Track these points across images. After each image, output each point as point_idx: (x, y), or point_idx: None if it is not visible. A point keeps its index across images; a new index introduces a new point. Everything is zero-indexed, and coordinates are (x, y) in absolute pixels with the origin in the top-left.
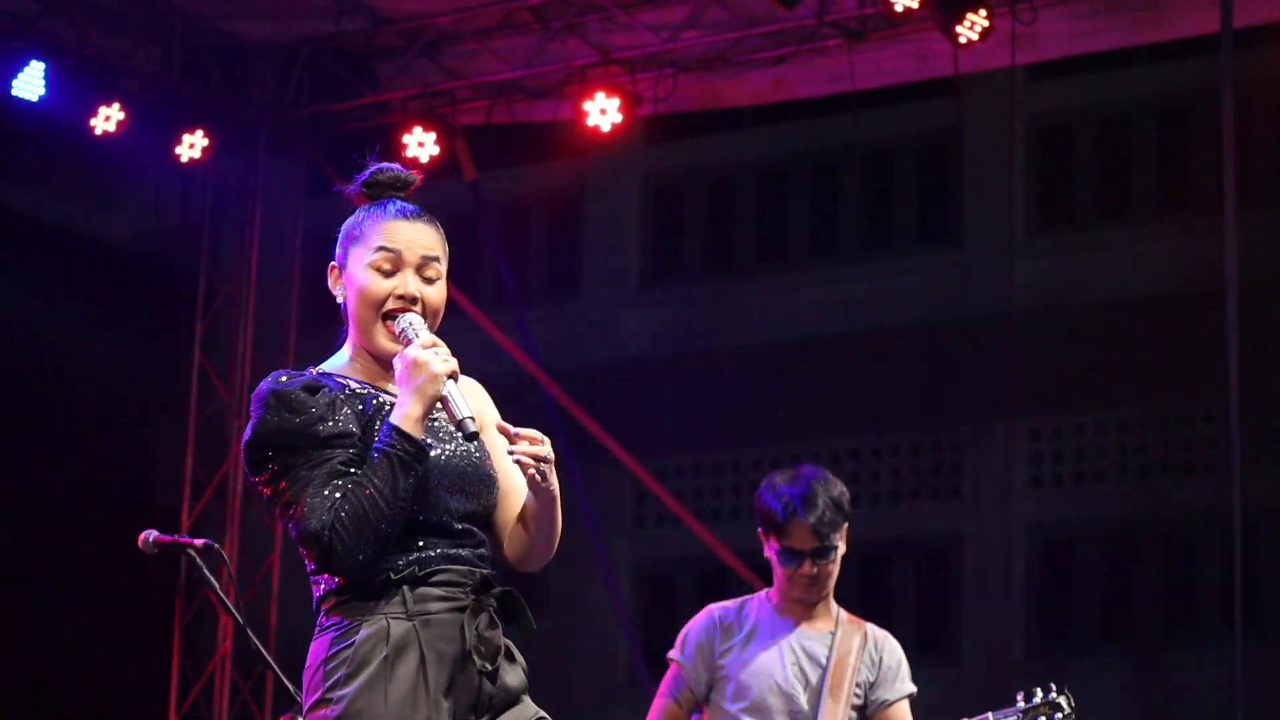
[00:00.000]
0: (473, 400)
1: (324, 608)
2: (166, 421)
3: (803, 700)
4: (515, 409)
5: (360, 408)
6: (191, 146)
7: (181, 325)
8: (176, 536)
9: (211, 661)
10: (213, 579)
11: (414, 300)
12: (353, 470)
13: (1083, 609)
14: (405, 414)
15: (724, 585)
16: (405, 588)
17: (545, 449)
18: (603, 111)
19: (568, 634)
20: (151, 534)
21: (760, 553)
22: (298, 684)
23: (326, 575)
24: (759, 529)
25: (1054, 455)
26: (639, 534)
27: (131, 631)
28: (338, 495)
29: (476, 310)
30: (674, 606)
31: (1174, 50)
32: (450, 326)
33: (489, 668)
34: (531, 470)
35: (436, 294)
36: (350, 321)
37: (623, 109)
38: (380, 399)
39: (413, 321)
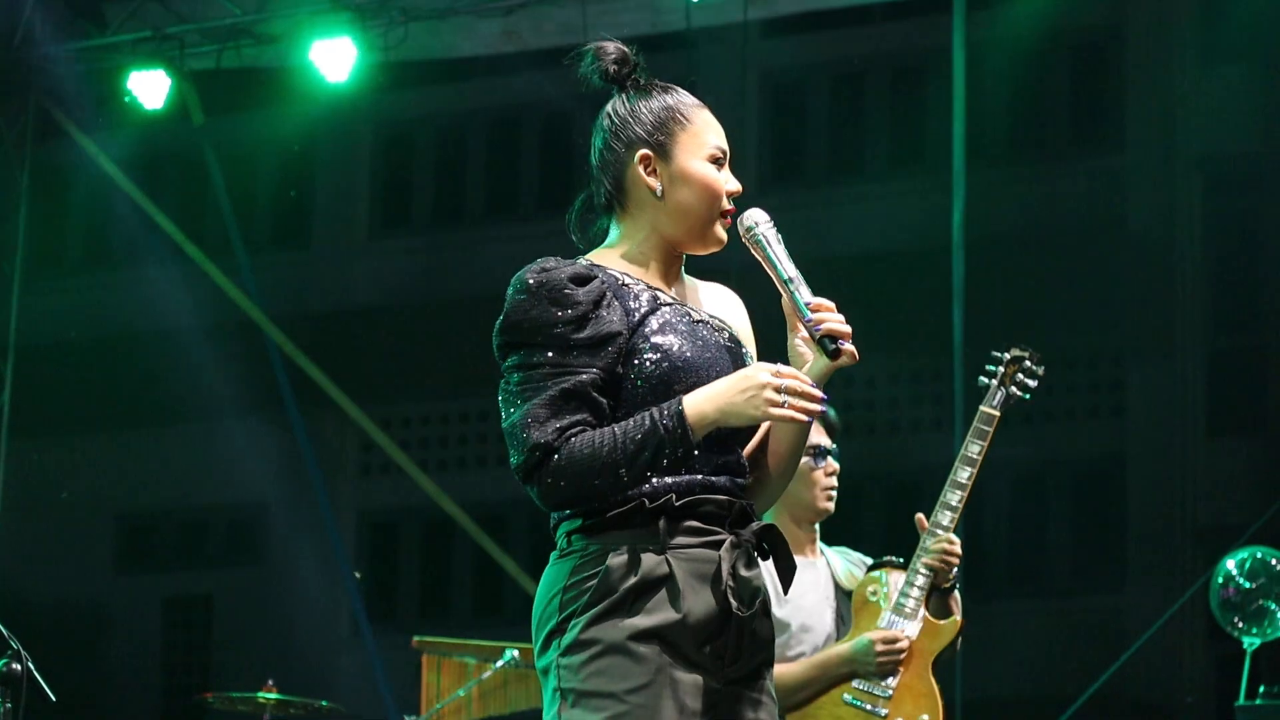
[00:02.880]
0: (732, 315)
1: (566, 532)
2: None
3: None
4: (239, 356)
5: (633, 305)
6: None
7: None
8: None
9: None
10: None
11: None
12: (598, 395)
13: None
14: (702, 412)
15: (449, 536)
16: (662, 518)
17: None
18: (332, 59)
19: (290, 583)
20: None
21: (487, 504)
22: (12, 630)
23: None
24: None
25: None
26: (363, 483)
27: None
28: (575, 426)
29: (203, 255)
30: (397, 556)
31: (907, 8)
32: (175, 273)
33: (745, 612)
34: (849, 348)
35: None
36: (667, 211)
37: (353, 57)
38: (658, 296)
39: (771, 241)
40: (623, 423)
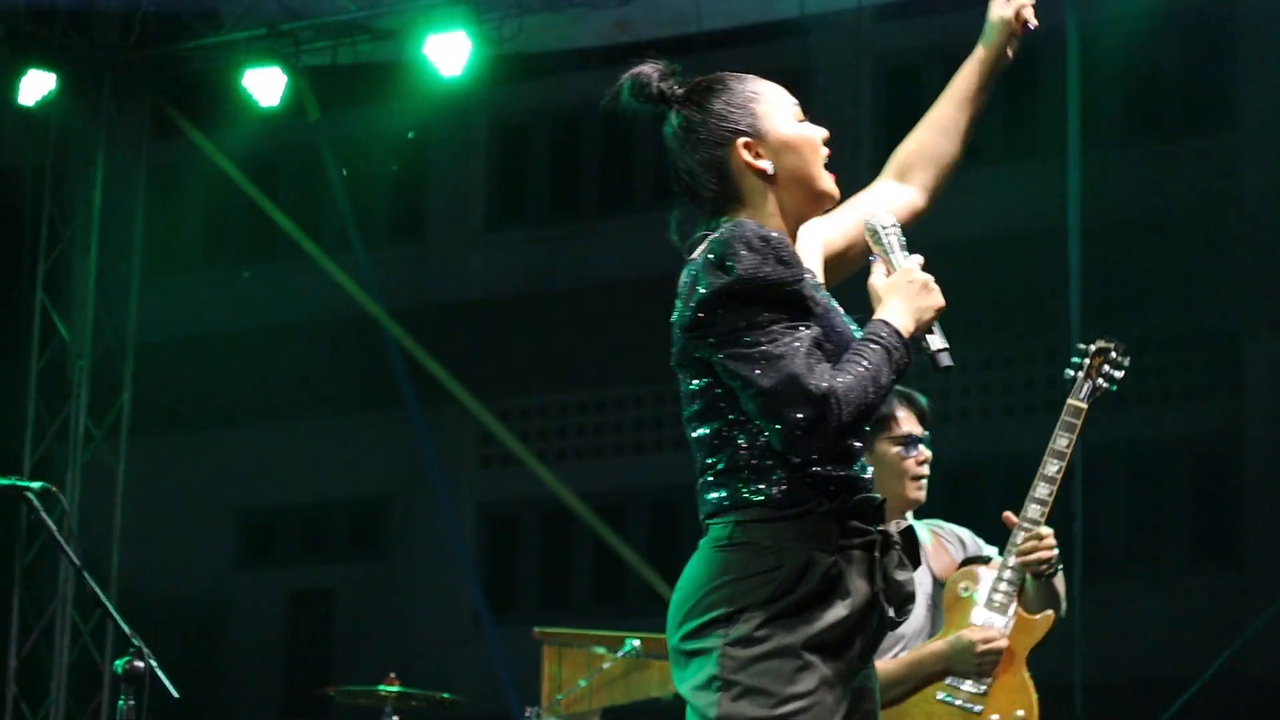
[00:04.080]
0: (817, 256)
1: (736, 522)
2: (8, 363)
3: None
4: (357, 350)
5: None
6: (36, 87)
7: (24, 266)
8: (14, 479)
9: (52, 604)
10: (50, 522)
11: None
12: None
13: None
14: (907, 327)
15: (568, 527)
16: (835, 519)
17: None
18: (447, 53)
19: (412, 576)
20: None
21: (606, 494)
22: (135, 627)
23: (754, 483)
24: None
25: None
26: (482, 475)
27: None
28: (828, 362)
29: (320, 251)
30: (517, 548)
31: None
32: (292, 267)
33: (898, 620)
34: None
35: None
36: (782, 184)
37: (467, 50)
38: (815, 275)
39: (895, 247)
40: (856, 354)
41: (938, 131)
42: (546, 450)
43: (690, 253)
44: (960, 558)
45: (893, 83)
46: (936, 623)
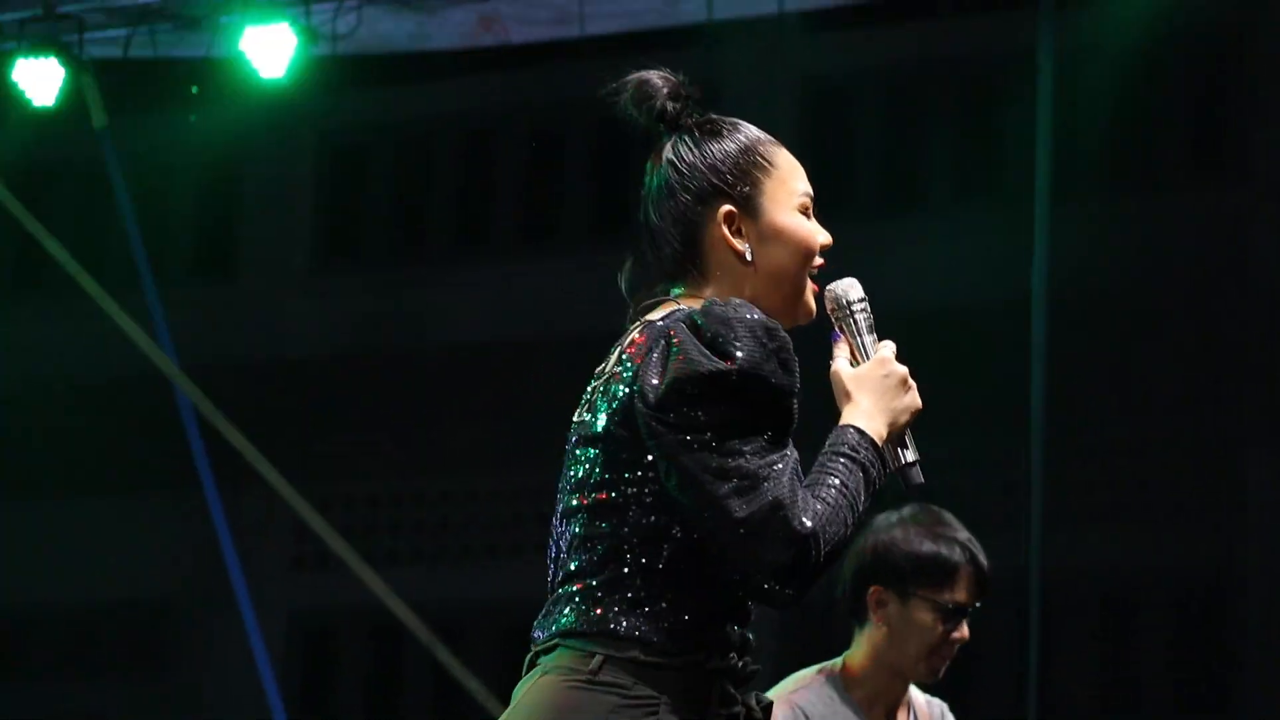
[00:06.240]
0: None
1: (606, 657)
2: None
3: None
4: (142, 416)
5: None
6: None
7: None
8: None
9: None
10: None
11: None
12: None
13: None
14: (880, 433)
15: (399, 645)
16: (720, 682)
17: None
18: (268, 49)
19: (201, 699)
20: None
21: (447, 607)
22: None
23: (635, 615)
24: (885, 586)
25: None
26: (295, 578)
27: None
28: (812, 497)
29: (101, 290)
30: (337, 669)
31: (978, 3)
32: (65, 311)
33: None
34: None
35: None
36: (757, 276)
37: (293, 48)
38: None
39: (863, 329)
40: (829, 473)
41: None
42: (375, 550)
43: (645, 311)
44: None
45: (820, 108)
46: None
